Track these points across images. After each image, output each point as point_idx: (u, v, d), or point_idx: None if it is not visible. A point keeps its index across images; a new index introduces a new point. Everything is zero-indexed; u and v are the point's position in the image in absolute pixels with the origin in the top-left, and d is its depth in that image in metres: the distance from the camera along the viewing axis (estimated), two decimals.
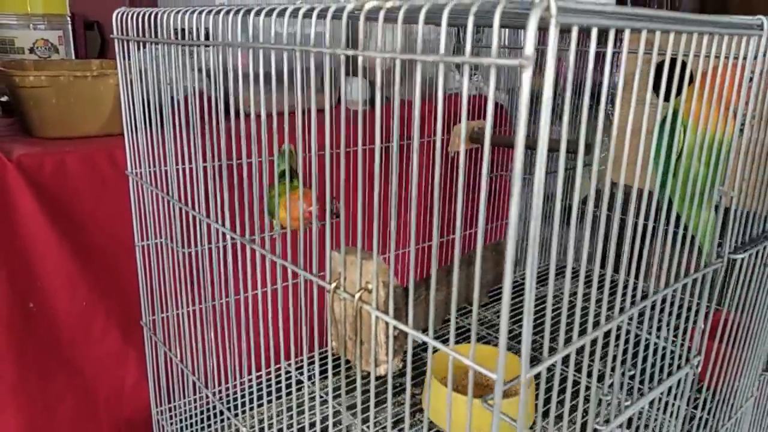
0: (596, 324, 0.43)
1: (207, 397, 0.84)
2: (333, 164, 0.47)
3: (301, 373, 0.97)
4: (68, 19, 1.31)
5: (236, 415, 0.78)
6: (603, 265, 0.47)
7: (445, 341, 0.40)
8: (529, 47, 0.30)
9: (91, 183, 0.95)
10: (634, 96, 0.45)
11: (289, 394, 0.66)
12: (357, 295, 0.43)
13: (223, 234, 0.65)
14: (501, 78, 1.52)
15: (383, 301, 0.42)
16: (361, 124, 0.45)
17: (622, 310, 0.45)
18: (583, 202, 0.52)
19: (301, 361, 0.95)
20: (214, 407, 0.87)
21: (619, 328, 0.46)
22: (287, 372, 0.84)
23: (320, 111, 0.59)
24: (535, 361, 0.40)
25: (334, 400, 0.96)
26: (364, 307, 0.43)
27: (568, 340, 0.42)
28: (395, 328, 0.42)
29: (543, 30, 0.33)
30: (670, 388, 0.61)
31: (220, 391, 0.83)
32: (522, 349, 0.35)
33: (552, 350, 0.39)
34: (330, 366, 0.48)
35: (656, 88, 0.79)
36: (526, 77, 0.31)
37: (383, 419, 0.95)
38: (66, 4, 1.32)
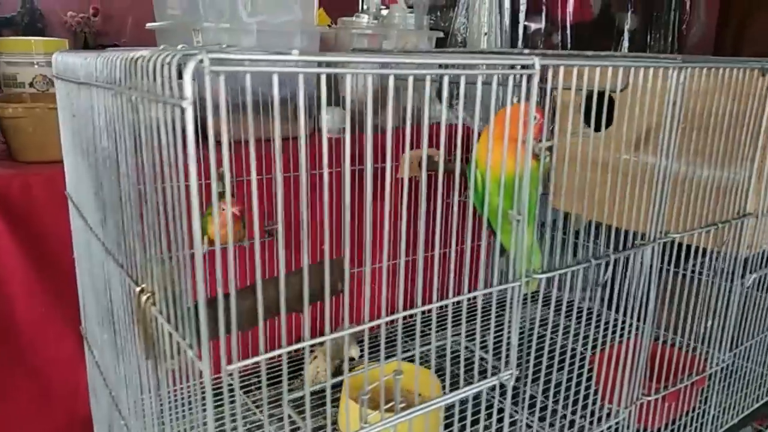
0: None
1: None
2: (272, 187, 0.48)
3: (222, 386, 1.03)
4: None
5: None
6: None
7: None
8: (188, 91, 0.38)
9: (52, 201, 1.07)
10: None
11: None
12: (144, 297, 0.51)
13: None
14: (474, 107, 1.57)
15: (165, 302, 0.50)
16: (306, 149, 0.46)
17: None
18: None
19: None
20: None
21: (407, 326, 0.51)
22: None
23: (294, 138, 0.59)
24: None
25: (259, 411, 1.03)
26: (149, 307, 0.51)
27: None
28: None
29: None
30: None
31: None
32: (220, 340, 0.41)
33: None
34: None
35: (588, 119, 0.85)
36: (188, 117, 0.38)
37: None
38: (66, 44, 1.47)
